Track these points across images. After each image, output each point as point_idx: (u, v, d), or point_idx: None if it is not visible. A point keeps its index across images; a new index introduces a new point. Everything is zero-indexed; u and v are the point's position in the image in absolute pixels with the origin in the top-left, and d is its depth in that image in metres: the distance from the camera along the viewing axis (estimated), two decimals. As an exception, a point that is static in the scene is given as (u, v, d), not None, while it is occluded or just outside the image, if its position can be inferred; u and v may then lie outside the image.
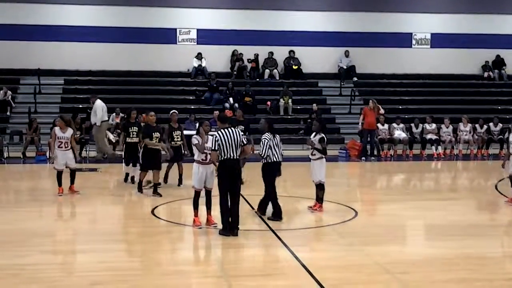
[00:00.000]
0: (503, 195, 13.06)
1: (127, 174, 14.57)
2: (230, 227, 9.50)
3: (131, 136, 14.15)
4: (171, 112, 14.40)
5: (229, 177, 9.50)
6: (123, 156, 14.55)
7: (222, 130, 9.62)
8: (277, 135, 11.02)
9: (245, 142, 9.78)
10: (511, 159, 12.31)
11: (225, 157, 9.50)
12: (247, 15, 26.69)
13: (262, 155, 10.70)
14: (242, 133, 13.42)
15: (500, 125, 22.23)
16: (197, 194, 10.01)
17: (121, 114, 20.88)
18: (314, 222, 10.84)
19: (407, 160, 20.95)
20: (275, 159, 10.80)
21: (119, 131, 20.29)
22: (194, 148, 10.10)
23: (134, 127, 14.17)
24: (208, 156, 9.86)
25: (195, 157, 10.06)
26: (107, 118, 19.92)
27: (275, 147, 10.83)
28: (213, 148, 9.58)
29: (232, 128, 9.71)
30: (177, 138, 14.10)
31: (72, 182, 13.20)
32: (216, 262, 8.46)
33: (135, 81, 25.47)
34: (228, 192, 9.54)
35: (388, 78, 27.38)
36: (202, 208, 10.01)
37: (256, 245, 9.36)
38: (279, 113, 24.13)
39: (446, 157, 21.29)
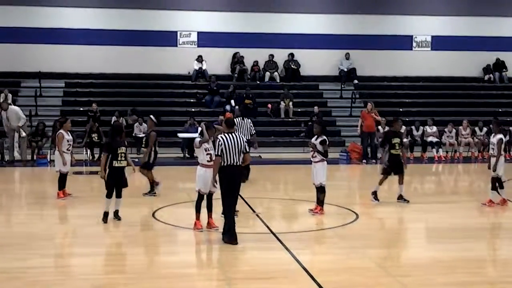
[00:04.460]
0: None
1: (106, 214, 10.71)
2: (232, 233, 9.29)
3: (118, 158, 10.66)
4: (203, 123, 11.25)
5: (229, 182, 9.24)
6: (105, 187, 10.77)
7: (226, 135, 9.30)
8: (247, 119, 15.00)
9: (247, 150, 9.38)
10: (491, 160, 12.41)
11: (227, 163, 9.18)
12: (247, 18, 26.68)
13: None
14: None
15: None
16: (201, 197, 9.96)
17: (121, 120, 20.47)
18: (315, 225, 10.83)
19: (408, 163, 20.88)
20: None
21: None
22: (198, 150, 10.04)
23: (123, 148, 10.78)
24: (213, 158, 9.61)
25: (200, 160, 10.01)
26: (19, 124, 19.38)
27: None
28: (217, 153, 9.23)
29: (236, 134, 9.41)
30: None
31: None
32: (217, 265, 8.45)
33: (136, 84, 25.44)
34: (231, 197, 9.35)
35: (389, 81, 27.35)
36: (203, 211, 10.00)
37: (258, 248, 9.33)
38: (280, 115, 24.13)
39: (447, 160, 21.28)
